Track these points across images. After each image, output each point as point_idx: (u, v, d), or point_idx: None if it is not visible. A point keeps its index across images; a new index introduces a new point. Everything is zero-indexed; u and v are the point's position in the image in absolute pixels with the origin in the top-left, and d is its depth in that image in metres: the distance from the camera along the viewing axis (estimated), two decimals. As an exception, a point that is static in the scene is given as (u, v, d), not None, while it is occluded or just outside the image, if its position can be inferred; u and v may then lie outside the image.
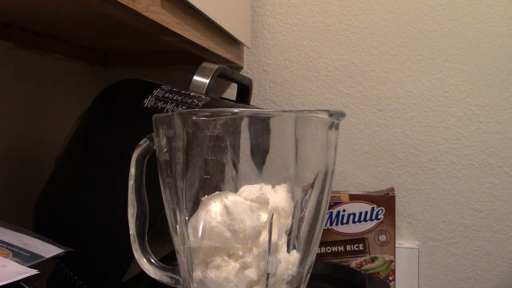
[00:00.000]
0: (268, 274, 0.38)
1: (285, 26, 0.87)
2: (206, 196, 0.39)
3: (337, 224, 0.75)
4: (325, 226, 0.74)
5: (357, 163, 0.85)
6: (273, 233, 0.37)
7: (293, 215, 0.40)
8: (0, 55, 0.67)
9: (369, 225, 0.74)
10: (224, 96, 0.89)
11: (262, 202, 0.38)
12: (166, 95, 0.55)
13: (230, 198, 0.38)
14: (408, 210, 0.83)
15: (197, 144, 0.38)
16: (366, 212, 0.74)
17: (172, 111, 0.53)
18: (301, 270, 0.41)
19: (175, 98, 0.54)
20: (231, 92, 0.88)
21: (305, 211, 0.40)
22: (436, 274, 0.83)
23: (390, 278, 0.75)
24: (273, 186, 0.40)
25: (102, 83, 0.64)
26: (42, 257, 0.43)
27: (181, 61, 0.87)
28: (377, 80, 0.84)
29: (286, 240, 0.40)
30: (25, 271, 0.38)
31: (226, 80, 0.82)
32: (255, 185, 0.40)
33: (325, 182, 0.41)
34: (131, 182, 0.42)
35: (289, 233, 0.40)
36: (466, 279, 0.82)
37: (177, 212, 0.39)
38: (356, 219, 0.74)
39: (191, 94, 0.55)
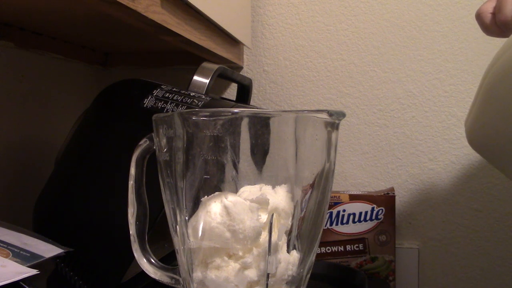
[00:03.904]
0: (268, 274, 0.38)
1: (285, 26, 0.87)
2: (206, 196, 0.39)
3: (337, 224, 0.75)
4: (325, 226, 0.74)
5: (357, 163, 0.85)
6: (273, 233, 0.37)
7: (293, 215, 0.40)
8: (0, 55, 0.67)
9: (369, 225, 0.74)
10: (224, 96, 0.89)
11: (262, 203, 0.38)
12: (166, 95, 0.55)
13: (230, 199, 0.38)
14: (408, 210, 0.83)
15: (197, 144, 0.38)
16: (366, 212, 0.74)
17: (172, 111, 0.53)
18: (301, 270, 0.41)
19: (175, 98, 0.54)
20: (231, 92, 0.88)
21: (305, 211, 0.40)
22: (436, 274, 0.83)
23: (390, 278, 0.75)
24: (273, 187, 0.40)
25: (102, 83, 0.64)
26: (42, 257, 0.43)
27: (181, 61, 0.87)
28: (377, 80, 0.84)
29: (286, 241, 0.40)
30: (25, 271, 0.39)
31: (226, 80, 0.82)
32: (255, 185, 0.40)
33: (325, 182, 0.41)
34: (131, 182, 0.42)
35: (289, 234, 0.40)
36: (466, 279, 0.82)
37: (177, 212, 0.39)
38: (356, 219, 0.74)
39: (191, 94, 0.55)
